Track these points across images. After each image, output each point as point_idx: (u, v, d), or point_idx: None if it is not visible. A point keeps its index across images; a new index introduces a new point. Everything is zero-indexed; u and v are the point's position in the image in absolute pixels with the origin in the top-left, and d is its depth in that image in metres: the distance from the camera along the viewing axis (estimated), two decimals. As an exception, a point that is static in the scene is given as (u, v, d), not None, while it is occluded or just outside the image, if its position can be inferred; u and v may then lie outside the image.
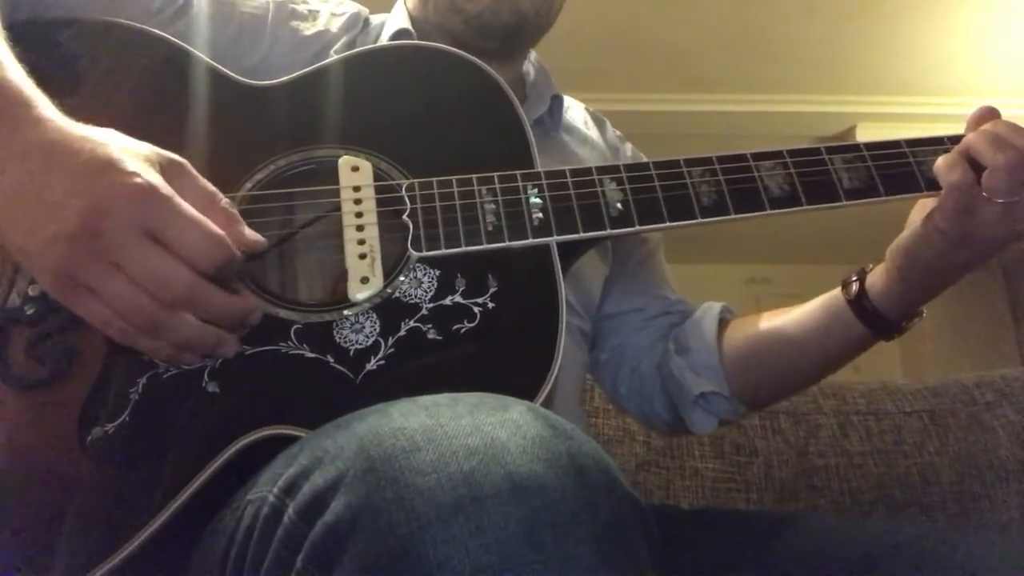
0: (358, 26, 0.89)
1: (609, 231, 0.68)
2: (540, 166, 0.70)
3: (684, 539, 0.76)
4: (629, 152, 1.04)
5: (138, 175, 0.52)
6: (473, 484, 0.38)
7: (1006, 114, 0.73)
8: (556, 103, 0.94)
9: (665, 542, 0.45)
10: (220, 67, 0.73)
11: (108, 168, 0.52)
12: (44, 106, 0.55)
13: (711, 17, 2.53)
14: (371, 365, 0.60)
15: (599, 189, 0.69)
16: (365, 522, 0.39)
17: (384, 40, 0.88)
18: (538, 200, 0.67)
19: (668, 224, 0.68)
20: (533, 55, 0.98)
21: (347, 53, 0.76)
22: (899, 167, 0.72)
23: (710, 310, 0.91)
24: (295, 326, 0.61)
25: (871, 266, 0.78)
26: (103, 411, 0.58)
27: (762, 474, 1.25)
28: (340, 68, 0.74)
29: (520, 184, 0.68)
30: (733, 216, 0.69)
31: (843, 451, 1.27)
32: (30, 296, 0.60)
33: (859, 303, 0.77)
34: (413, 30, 0.88)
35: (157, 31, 0.72)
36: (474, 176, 0.68)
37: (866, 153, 0.72)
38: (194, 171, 0.58)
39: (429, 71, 0.75)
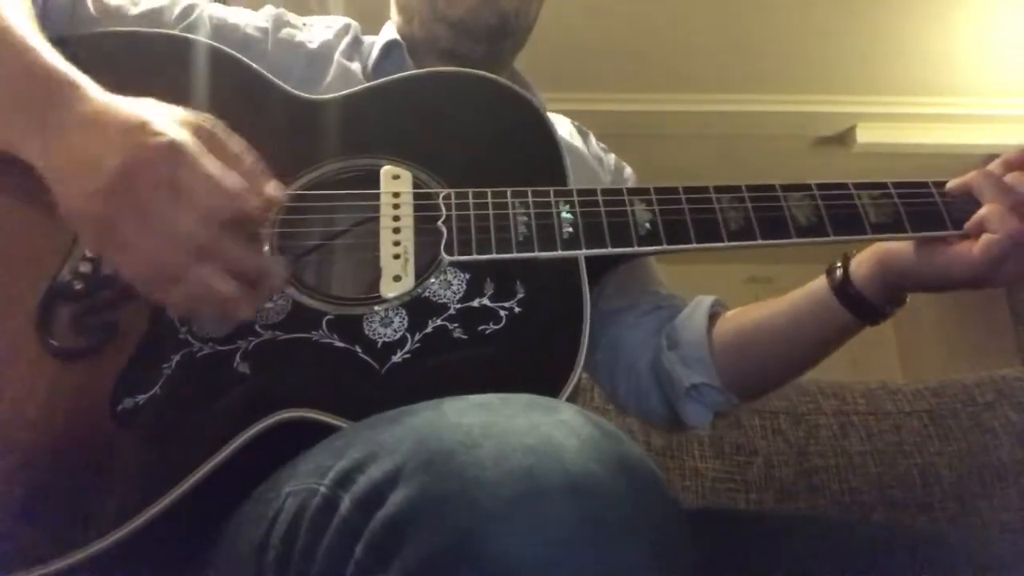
0: (350, 33, 0.94)
1: (637, 248, 0.69)
2: (572, 184, 0.73)
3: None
4: (613, 163, 1.06)
5: (165, 134, 0.56)
6: (533, 480, 0.39)
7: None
8: None
9: None
10: (276, 79, 0.77)
11: (139, 128, 0.56)
12: (88, 84, 0.60)
13: (711, 17, 2.54)
14: (397, 358, 0.62)
15: (628, 208, 0.70)
16: (426, 514, 0.40)
17: (375, 53, 0.93)
18: (569, 215, 0.69)
19: (695, 246, 0.69)
20: (517, 72, 1.00)
21: (395, 76, 0.81)
22: (926, 206, 0.72)
23: (701, 304, 0.92)
24: (327, 317, 0.64)
25: (855, 252, 0.79)
26: (136, 383, 0.61)
27: (762, 474, 1.26)
28: (388, 88, 0.79)
29: (552, 199, 0.70)
30: (760, 242, 0.70)
31: (843, 451, 1.27)
32: (80, 272, 0.64)
33: (843, 290, 0.78)
34: (403, 41, 0.93)
35: (220, 45, 0.78)
36: (508, 189, 0.70)
37: (893, 191, 0.72)
38: (225, 132, 0.60)
39: (470, 94, 0.79)
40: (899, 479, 1.25)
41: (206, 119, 0.60)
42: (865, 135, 2.99)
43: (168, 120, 0.57)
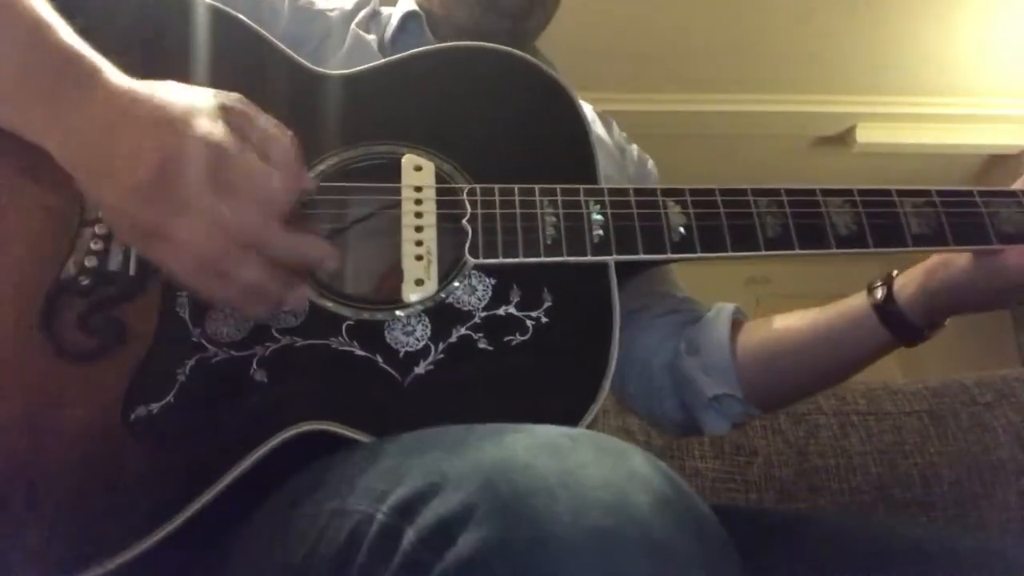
0: (370, 4, 0.90)
1: (669, 255, 0.66)
2: (603, 180, 0.69)
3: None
4: (635, 154, 1.03)
5: (206, 132, 0.54)
6: (612, 542, 0.38)
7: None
8: None
9: None
10: (287, 49, 0.72)
11: (177, 123, 0.54)
12: (107, 67, 0.57)
13: (711, 18, 2.53)
14: (420, 369, 0.60)
15: (662, 211, 0.67)
16: (504, 560, 0.38)
17: (393, 24, 0.88)
18: (599, 217, 0.66)
19: (731, 254, 0.66)
20: (541, 53, 0.97)
21: (416, 50, 0.75)
22: (970, 216, 0.69)
23: (723, 311, 0.89)
24: (347, 322, 0.61)
25: (896, 272, 0.78)
26: (149, 390, 0.58)
27: (762, 474, 1.25)
28: (408, 64, 0.74)
29: (582, 199, 0.66)
30: (797, 251, 0.67)
31: (843, 451, 1.27)
32: (85, 267, 0.60)
33: (885, 308, 0.76)
34: (421, 12, 0.89)
35: (226, 8, 0.72)
36: (536, 187, 0.66)
37: (937, 199, 0.69)
38: (254, 110, 0.58)
39: (498, 74, 0.74)
40: (899, 479, 1.24)
41: (237, 100, 0.58)
42: (865, 135, 2.99)
43: (202, 111, 0.55)
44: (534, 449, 0.44)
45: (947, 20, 2.54)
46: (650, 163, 1.05)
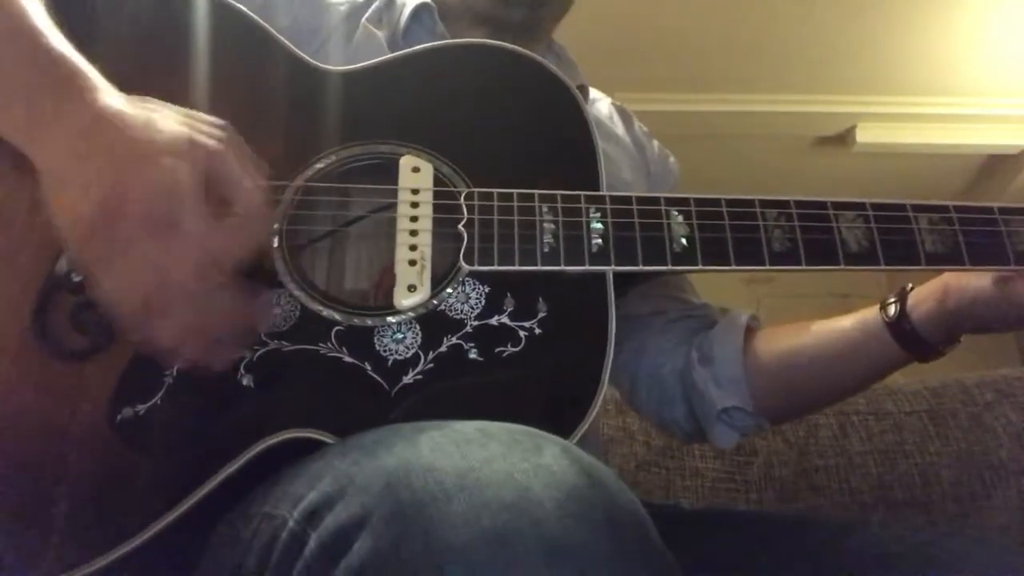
0: None
1: (670, 267, 0.65)
2: (605, 180, 0.68)
3: (685, 539, 0.76)
4: (656, 149, 1.02)
5: (163, 165, 0.52)
6: (506, 544, 0.37)
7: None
8: (581, 93, 0.93)
9: (666, 542, 0.45)
10: (289, 44, 0.70)
11: (135, 153, 0.52)
12: (87, 79, 0.56)
13: (711, 17, 2.53)
14: (408, 378, 0.59)
15: (664, 221, 0.65)
16: (393, 569, 0.38)
17: (406, 15, 0.85)
18: (599, 225, 0.65)
19: (734, 267, 0.65)
20: (558, 45, 0.95)
21: (419, 47, 0.73)
22: (988, 236, 0.67)
23: (736, 319, 0.89)
24: (336, 327, 0.60)
25: (910, 286, 0.76)
26: (137, 391, 0.58)
27: (762, 474, 1.25)
28: (411, 61, 0.72)
29: (583, 207, 0.65)
30: (804, 267, 0.65)
31: (843, 451, 1.27)
32: None
33: (899, 326, 0.75)
34: (433, 3, 0.86)
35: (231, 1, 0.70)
36: (536, 192, 0.65)
37: (955, 216, 0.67)
38: (232, 148, 0.56)
39: (501, 73, 0.72)
40: (899, 479, 1.24)
41: (220, 131, 0.56)
42: (865, 135, 2.99)
43: (168, 145, 0.53)
44: (441, 448, 0.43)
45: (947, 20, 2.54)
46: (671, 159, 1.03)
